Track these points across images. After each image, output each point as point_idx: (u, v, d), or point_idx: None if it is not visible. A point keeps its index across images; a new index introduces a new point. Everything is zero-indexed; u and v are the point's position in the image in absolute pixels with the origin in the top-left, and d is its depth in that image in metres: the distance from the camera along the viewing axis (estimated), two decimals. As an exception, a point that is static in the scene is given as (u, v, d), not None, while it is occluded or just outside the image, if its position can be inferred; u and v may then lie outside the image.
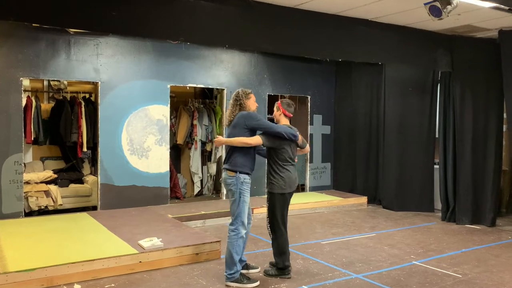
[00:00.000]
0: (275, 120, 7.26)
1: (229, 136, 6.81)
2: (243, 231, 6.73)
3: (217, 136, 6.97)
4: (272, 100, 13.82)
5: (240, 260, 6.94)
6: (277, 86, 13.14)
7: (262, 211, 10.65)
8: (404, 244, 9.10)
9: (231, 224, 6.75)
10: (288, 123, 7.18)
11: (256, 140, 6.70)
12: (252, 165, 6.86)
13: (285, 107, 7.13)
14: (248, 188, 6.76)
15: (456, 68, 11.04)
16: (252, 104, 6.94)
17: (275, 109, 7.21)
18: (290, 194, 7.02)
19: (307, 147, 7.41)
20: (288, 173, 6.93)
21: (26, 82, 11.46)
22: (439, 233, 10.10)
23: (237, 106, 6.87)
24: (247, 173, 6.76)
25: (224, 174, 6.84)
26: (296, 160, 7.14)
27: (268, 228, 7.05)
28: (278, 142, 6.86)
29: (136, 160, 11.07)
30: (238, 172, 6.67)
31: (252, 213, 10.11)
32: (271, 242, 7.10)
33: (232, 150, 6.79)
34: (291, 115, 7.19)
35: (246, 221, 6.76)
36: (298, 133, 7.07)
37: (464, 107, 11.04)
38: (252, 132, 6.78)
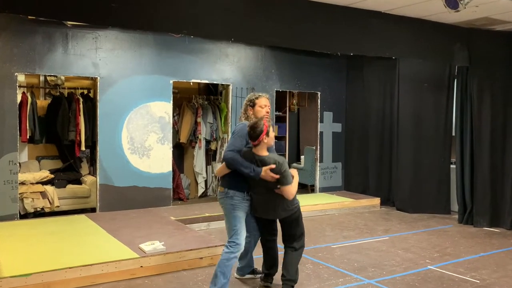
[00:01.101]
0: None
1: None
2: (238, 252, 6.27)
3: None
4: (280, 96, 13.86)
5: (248, 266, 6.95)
6: (285, 81, 13.12)
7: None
8: (419, 248, 9.08)
9: (227, 243, 6.31)
10: (265, 153, 6.29)
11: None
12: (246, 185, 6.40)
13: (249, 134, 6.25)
14: (241, 203, 6.34)
15: (473, 62, 11.01)
16: (257, 111, 6.56)
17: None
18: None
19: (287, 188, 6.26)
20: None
21: (21, 78, 11.47)
22: (455, 236, 10.08)
23: (244, 114, 6.66)
24: (240, 191, 6.36)
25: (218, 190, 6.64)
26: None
27: None
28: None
29: (137, 160, 11.08)
30: (227, 188, 6.35)
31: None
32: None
33: None
34: (254, 143, 6.22)
35: (242, 240, 6.27)
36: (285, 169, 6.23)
37: (482, 104, 11.00)
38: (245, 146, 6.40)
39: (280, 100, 14.43)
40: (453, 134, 11.88)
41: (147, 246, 7.53)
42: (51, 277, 6.55)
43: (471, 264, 8.15)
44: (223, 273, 6.14)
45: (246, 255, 6.95)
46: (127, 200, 10.94)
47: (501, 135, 10.93)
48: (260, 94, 6.69)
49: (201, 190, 13.23)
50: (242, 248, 6.30)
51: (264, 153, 6.24)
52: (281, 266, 6.63)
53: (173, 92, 11.62)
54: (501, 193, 10.94)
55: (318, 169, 13.97)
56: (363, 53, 10.64)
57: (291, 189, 6.20)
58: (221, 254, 6.27)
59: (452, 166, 12.02)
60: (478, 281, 7.31)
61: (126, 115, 10.93)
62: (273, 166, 6.08)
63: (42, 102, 11.98)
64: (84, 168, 12.40)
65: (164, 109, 11.37)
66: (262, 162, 6.16)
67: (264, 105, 6.60)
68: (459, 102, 11.54)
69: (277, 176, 6.10)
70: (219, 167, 6.48)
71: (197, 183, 13.27)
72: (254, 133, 6.11)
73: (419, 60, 11.82)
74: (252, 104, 6.59)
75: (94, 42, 10.55)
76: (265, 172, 6.08)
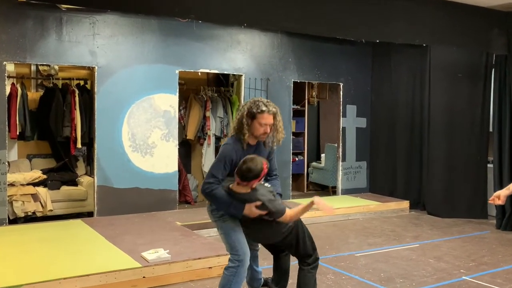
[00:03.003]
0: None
1: None
2: (243, 267, 5.91)
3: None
4: (298, 88, 13.81)
5: (255, 279, 6.81)
6: (304, 71, 13.09)
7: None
8: (453, 257, 9.04)
9: (229, 257, 6.00)
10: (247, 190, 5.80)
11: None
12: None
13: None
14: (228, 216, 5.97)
15: (514, 50, 10.99)
16: (254, 128, 5.83)
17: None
18: None
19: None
20: None
21: (10, 67, 11.51)
22: (493, 244, 10.04)
23: (236, 122, 5.99)
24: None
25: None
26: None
27: None
28: None
29: (139, 158, 11.09)
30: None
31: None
32: None
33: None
34: (244, 183, 5.68)
35: (244, 252, 5.92)
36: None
37: (523, 96, 10.98)
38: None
39: (298, 92, 14.33)
40: (491, 129, 11.85)
41: (150, 255, 7.52)
42: (44, 289, 6.57)
43: (510, 275, 8.10)
44: None
45: (251, 268, 6.53)
46: (128, 204, 10.94)
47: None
48: (266, 107, 5.82)
49: (210, 192, 13.21)
50: (247, 260, 5.94)
51: (246, 190, 5.77)
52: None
53: (179, 83, 11.61)
54: (545, 195, 10.89)
55: (340, 168, 13.94)
56: (390, 40, 10.61)
57: (286, 218, 5.79)
58: (223, 272, 5.98)
59: (490, 165, 11.98)
60: (520, 294, 7.30)
61: (127, 108, 10.92)
62: (258, 203, 5.68)
63: (34, 95, 12.02)
64: (80, 167, 12.42)
65: (169, 102, 11.36)
66: (244, 201, 5.74)
67: (265, 124, 5.81)
68: (497, 94, 11.49)
69: (264, 212, 5.72)
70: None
71: (205, 184, 13.26)
72: (249, 175, 5.56)
73: (453, 48, 11.78)
74: (251, 115, 5.80)
75: (91, 27, 10.53)
76: (250, 209, 5.70)
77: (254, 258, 6.57)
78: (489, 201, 6.21)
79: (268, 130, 5.86)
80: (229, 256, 5.99)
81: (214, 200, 5.81)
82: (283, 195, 12.35)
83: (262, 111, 5.76)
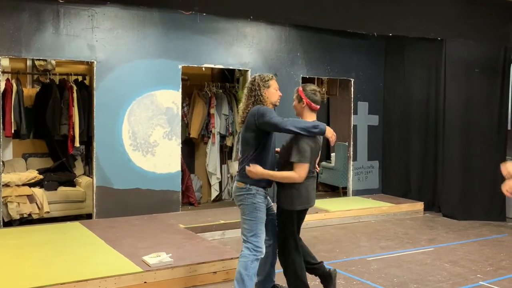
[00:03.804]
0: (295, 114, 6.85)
1: (242, 141, 6.60)
2: (260, 256, 6.43)
3: (253, 165, 6.32)
4: (306, 83, 13.78)
5: (269, 280, 6.88)
6: (313, 66, 13.09)
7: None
8: (469, 261, 9.03)
9: (245, 245, 6.46)
10: (315, 119, 6.65)
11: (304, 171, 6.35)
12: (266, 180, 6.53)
13: (310, 96, 6.55)
14: (263, 202, 6.48)
15: (533, 44, 10.97)
16: (272, 95, 6.56)
17: (295, 98, 6.71)
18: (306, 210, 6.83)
19: None
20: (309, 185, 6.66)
21: (5, 62, 11.52)
22: (512, 248, 10.08)
23: (251, 98, 6.53)
24: (263, 188, 6.48)
25: (234, 185, 6.69)
26: (318, 170, 6.95)
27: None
28: None
29: (140, 158, 11.09)
30: (248, 184, 6.42)
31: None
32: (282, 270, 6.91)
33: (246, 155, 6.51)
34: (318, 107, 6.62)
35: (263, 244, 6.47)
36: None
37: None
38: (264, 136, 6.44)
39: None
40: (509, 127, 11.82)
41: (151, 259, 7.50)
42: (40, 295, 6.56)
43: (531, 280, 8.12)
44: (249, 276, 6.32)
45: (265, 266, 6.82)
46: (129, 205, 10.93)
47: None
48: (271, 75, 6.70)
49: (214, 193, 13.25)
50: (264, 252, 6.44)
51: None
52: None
53: (182, 79, 11.58)
54: None
55: (351, 168, 13.93)
56: (404, 34, 10.61)
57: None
58: (240, 260, 6.39)
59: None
60: (541, 301, 7.28)
61: (127, 105, 10.92)
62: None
63: (30, 91, 12.02)
64: (79, 167, 12.44)
65: (171, 98, 11.35)
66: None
67: (277, 89, 6.63)
68: (515, 90, 11.49)
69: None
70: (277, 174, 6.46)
71: (210, 185, 13.29)
72: (318, 97, 6.59)
73: (469, 42, 11.76)
74: (267, 85, 6.52)
75: (90, 20, 10.52)
76: (330, 130, 6.47)
77: (274, 254, 6.88)
78: (505, 193, 5.83)
79: (281, 94, 6.67)
80: (246, 245, 6.41)
81: (299, 123, 6.31)
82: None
83: (271, 78, 6.61)
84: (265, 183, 6.44)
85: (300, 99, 6.56)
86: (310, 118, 6.56)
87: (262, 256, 6.44)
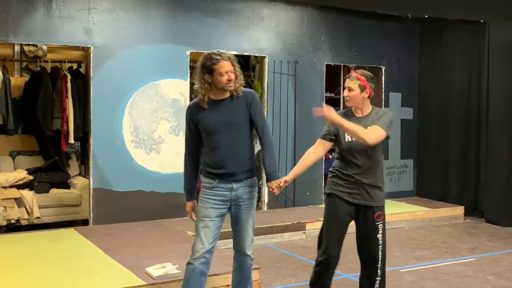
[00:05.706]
0: (347, 105, 6.60)
1: None
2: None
3: (325, 105, 6.19)
4: (332, 72, 13.75)
5: None
6: (338, 53, 13.09)
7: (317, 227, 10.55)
8: (516, 273, 9.10)
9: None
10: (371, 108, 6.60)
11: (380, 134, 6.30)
12: None
13: (371, 84, 6.39)
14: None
15: None
16: (217, 80, 6.10)
17: (354, 87, 6.41)
18: None
19: None
20: None
21: (-10, 48, 11.50)
22: None
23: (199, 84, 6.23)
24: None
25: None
26: None
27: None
28: None
29: (143, 156, 11.08)
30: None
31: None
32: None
33: None
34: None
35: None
36: None
37: None
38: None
39: (332, 78, 14.31)
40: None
41: (156, 270, 7.48)
42: (29, 312, 6.52)
43: None
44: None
45: None
46: (130, 210, 10.91)
47: None
48: (219, 56, 6.06)
49: (227, 196, 13.20)
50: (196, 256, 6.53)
51: None
52: None
53: (191, 67, 11.46)
54: None
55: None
56: (442, 16, 10.56)
57: None
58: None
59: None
60: None
61: (128, 97, 10.91)
62: None
63: (18, 80, 12.08)
64: (73, 167, 12.48)
65: (178, 89, 11.35)
66: None
67: (225, 72, 6.04)
68: None
69: None
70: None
71: (221, 187, 13.25)
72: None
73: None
74: (209, 70, 6.05)
75: (86, 0, 10.48)
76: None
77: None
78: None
79: (232, 77, 6.11)
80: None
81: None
82: (314, 199, 12.38)
83: (217, 60, 6.00)
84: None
85: (363, 88, 6.33)
86: (369, 108, 6.49)
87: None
